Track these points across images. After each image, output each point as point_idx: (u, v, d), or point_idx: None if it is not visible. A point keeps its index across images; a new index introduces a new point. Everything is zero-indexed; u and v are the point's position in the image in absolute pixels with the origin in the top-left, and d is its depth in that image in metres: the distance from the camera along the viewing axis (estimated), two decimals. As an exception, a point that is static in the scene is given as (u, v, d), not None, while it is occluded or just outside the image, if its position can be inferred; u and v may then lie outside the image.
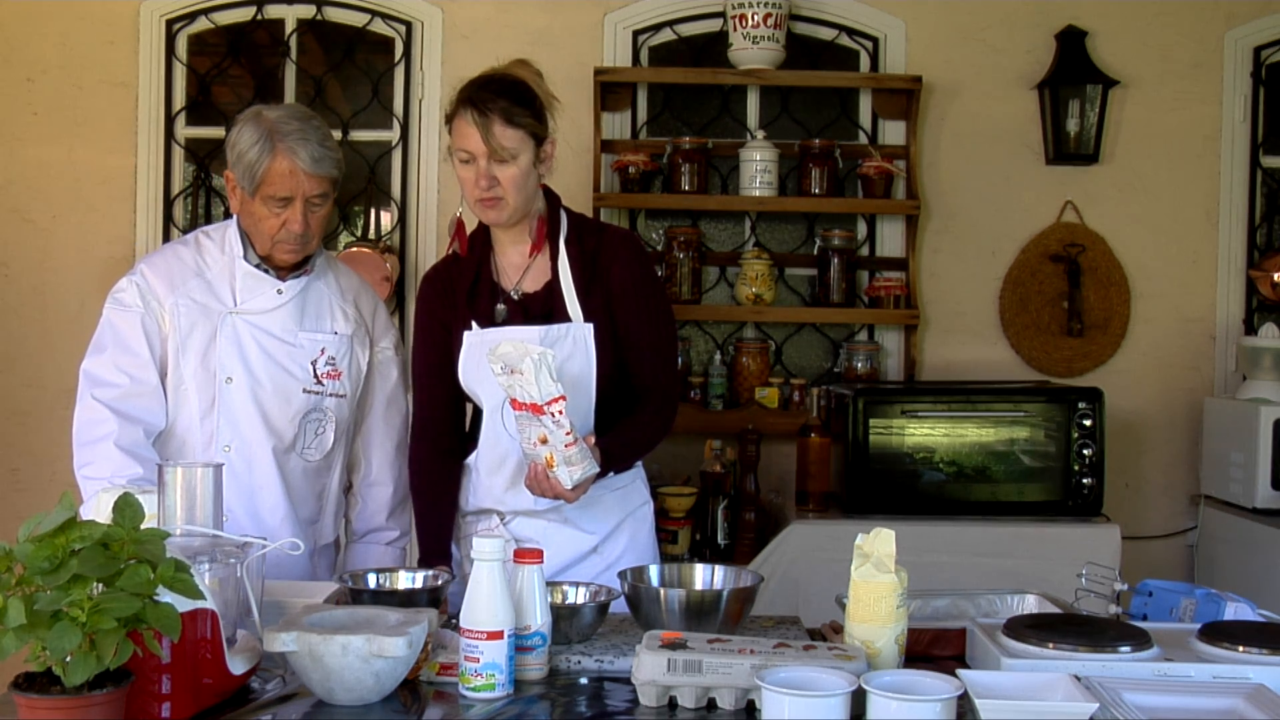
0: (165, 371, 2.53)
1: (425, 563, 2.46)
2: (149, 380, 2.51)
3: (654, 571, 2.19)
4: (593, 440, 2.34)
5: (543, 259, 2.52)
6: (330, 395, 2.60)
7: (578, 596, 2.18)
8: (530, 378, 2.21)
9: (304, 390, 2.57)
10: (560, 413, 2.23)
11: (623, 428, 2.47)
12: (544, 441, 2.25)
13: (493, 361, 2.26)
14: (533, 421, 2.25)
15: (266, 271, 2.57)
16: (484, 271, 2.54)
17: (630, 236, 2.65)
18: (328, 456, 2.63)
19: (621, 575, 2.12)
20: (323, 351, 2.60)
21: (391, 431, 2.72)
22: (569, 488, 2.28)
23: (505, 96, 2.38)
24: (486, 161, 2.39)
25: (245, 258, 2.56)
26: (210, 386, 2.53)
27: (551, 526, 2.48)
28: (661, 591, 2.07)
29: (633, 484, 2.59)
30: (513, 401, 2.27)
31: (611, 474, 2.47)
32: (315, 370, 2.58)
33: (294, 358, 2.57)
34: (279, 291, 2.57)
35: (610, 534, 2.54)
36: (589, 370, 2.46)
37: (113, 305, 2.56)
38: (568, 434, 2.25)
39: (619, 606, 2.12)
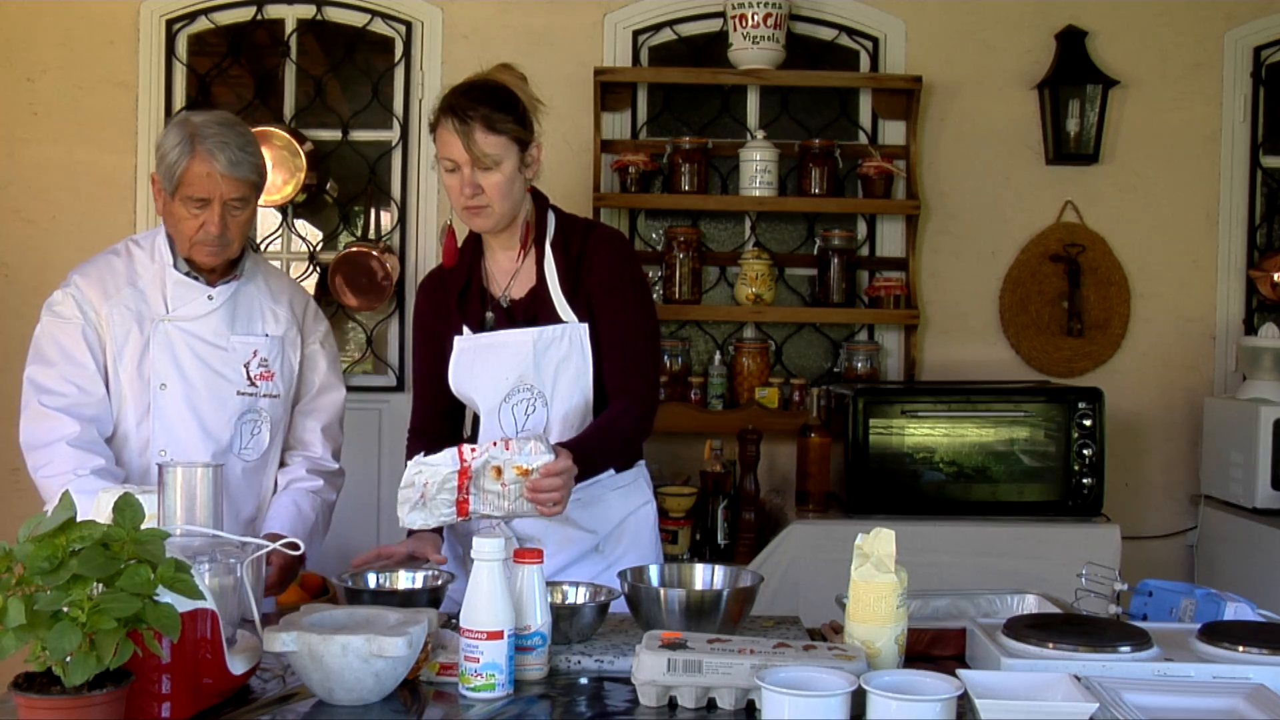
0: (107, 380, 2.54)
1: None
2: (96, 391, 2.52)
3: (654, 571, 2.18)
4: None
5: (529, 263, 2.50)
6: (264, 396, 2.61)
7: (578, 596, 2.17)
8: (429, 474, 2.18)
9: (238, 393, 2.58)
10: (472, 449, 2.19)
11: (588, 432, 2.41)
12: (499, 472, 2.19)
13: (412, 524, 2.23)
14: (475, 483, 2.20)
15: (196, 279, 2.58)
16: (475, 277, 2.54)
17: (615, 236, 2.60)
18: (264, 455, 2.65)
19: (621, 575, 2.12)
20: (255, 354, 2.61)
21: (321, 414, 2.72)
22: (554, 458, 2.19)
23: (486, 103, 2.37)
24: (470, 169, 2.37)
25: (175, 266, 2.57)
26: (145, 394, 2.53)
27: (552, 526, 2.45)
28: (661, 591, 2.07)
29: (635, 483, 2.58)
30: (458, 509, 2.21)
31: (611, 472, 2.47)
32: (248, 372, 2.60)
33: (227, 361, 2.58)
34: (210, 298, 2.58)
35: (611, 533, 2.53)
36: (585, 370, 2.45)
37: (51, 318, 2.54)
38: (494, 445, 2.19)
39: (619, 606, 2.12)
